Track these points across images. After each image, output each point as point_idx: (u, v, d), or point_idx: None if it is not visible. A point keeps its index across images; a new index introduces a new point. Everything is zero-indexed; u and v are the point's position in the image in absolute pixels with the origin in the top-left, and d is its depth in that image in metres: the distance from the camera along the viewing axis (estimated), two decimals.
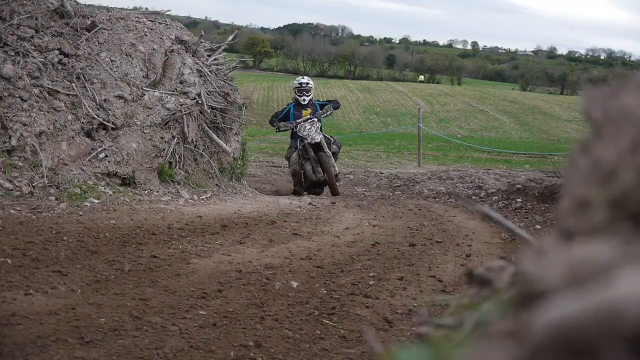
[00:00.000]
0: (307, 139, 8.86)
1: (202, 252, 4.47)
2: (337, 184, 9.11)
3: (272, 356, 2.86)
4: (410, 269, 4.48)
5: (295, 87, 9.57)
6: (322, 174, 8.82)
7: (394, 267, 4.49)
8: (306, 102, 9.35)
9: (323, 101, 9.92)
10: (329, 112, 9.32)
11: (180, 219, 5.40)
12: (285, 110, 9.52)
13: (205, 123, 7.37)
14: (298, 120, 9.10)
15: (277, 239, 5.11)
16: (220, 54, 8.40)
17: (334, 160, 9.03)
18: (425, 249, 5.16)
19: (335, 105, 9.59)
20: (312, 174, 8.83)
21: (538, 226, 6.14)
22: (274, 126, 9.36)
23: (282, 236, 5.24)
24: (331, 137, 9.61)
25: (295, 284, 3.86)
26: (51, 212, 5.02)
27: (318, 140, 8.86)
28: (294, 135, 9.17)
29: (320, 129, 9.16)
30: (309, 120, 9.03)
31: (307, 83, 9.57)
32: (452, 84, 77.81)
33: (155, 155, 6.58)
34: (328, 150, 8.98)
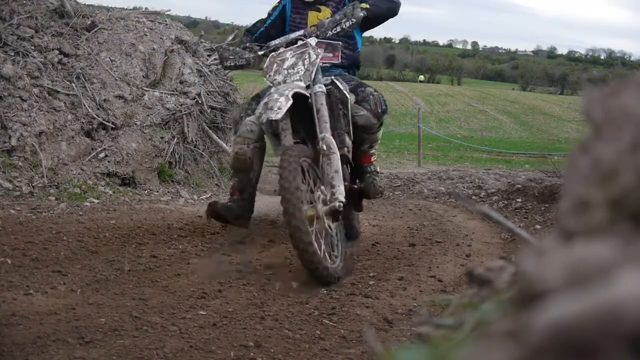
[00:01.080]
0: (262, 110, 3.62)
1: (202, 252, 4.48)
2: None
3: (272, 356, 2.86)
4: (410, 269, 4.48)
5: None
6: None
7: (394, 267, 4.49)
8: None
9: None
10: (346, 23, 3.86)
11: (180, 218, 5.40)
12: (274, 15, 4.38)
13: (205, 123, 7.37)
14: (276, 42, 4.06)
15: (278, 238, 5.11)
16: None
17: (343, 174, 3.71)
18: (425, 249, 5.16)
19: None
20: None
21: (538, 226, 6.14)
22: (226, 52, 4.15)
23: (283, 236, 5.24)
24: (363, 85, 4.26)
25: (295, 284, 3.85)
26: (51, 212, 5.02)
27: (276, 118, 3.56)
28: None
29: (336, 69, 4.21)
30: (298, 47, 3.90)
31: None
32: (452, 84, 77.82)
33: (155, 155, 6.58)
34: (333, 144, 3.66)
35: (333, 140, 3.71)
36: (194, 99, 7.18)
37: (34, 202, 5.22)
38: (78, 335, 2.84)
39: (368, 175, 4.32)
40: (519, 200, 7.28)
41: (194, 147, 7.17)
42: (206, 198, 6.66)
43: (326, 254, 3.69)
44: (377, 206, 7.35)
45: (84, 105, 6.23)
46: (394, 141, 22.35)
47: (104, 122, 6.34)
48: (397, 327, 3.38)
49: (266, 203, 6.95)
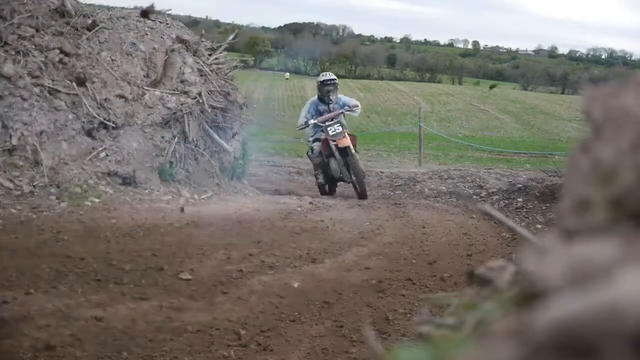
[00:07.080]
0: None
1: (203, 250, 4.47)
2: None
3: (272, 355, 2.87)
4: (411, 268, 4.49)
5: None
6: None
7: (395, 267, 4.49)
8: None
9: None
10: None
11: (181, 218, 5.40)
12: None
13: (206, 122, 7.37)
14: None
15: (278, 238, 5.12)
16: (221, 53, 8.40)
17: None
18: (426, 248, 5.16)
19: None
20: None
21: (539, 225, 6.14)
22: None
23: (283, 235, 5.25)
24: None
25: (296, 284, 3.86)
26: (52, 211, 5.02)
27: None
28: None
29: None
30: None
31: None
32: (452, 83, 77.85)
33: (156, 155, 6.58)
34: None
35: None
36: (195, 98, 7.18)
37: (35, 201, 5.22)
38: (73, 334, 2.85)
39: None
40: (520, 199, 7.28)
41: (195, 146, 7.17)
42: (207, 197, 6.66)
43: None
44: (378, 205, 7.36)
45: (85, 104, 6.23)
46: (395, 140, 22.37)
47: (104, 121, 6.34)
48: (398, 327, 3.38)
49: (268, 202, 6.95)
